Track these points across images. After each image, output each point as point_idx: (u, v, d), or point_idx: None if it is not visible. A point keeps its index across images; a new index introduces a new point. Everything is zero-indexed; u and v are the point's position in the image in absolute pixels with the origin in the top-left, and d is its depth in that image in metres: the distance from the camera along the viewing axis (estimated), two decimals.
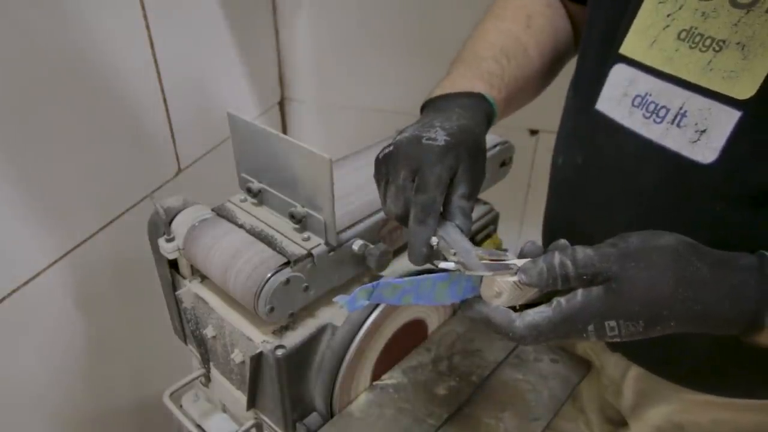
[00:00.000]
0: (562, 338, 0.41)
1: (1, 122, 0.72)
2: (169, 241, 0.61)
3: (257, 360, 0.57)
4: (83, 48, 0.83)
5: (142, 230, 0.65)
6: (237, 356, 0.60)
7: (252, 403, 0.62)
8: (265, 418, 0.63)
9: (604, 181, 0.57)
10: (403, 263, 0.65)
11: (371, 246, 0.60)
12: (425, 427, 0.61)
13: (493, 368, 0.68)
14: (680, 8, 0.49)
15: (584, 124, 0.58)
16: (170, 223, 0.62)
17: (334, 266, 0.59)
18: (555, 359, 0.70)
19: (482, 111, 0.56)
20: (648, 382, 0.64)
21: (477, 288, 0.44)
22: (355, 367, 0.61)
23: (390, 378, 0.66)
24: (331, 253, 0.58)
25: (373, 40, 1.32)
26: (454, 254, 0.44)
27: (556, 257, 0.41)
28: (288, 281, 0.54)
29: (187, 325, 0.66)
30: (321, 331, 0.59)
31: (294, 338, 0.57)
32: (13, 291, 0.78)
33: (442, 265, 0.43)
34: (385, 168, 0.50)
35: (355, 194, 0.64)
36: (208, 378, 0.69)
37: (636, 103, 0.52)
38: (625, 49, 0.53)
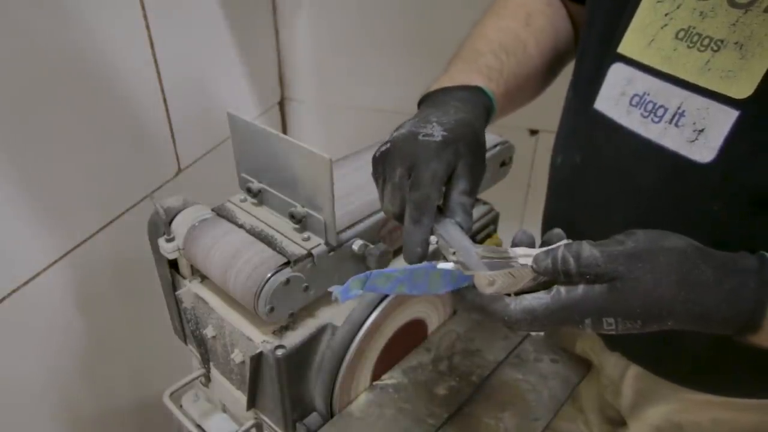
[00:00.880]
0: (556, 326, 0.40)
1: (1, 122, 0.72)
2: (169, 241, 0.61)
3: (257, 360, 0.57)
4: (83, 48, 0.83)
5: (142, 230, 0.65)
6: (237, 356, 0.60)
7: (252, 403, 0.62)
8: (265, 418, 0.63)
9: (603, 181, 0.57)
10: (403, 263, 0.65)
11: (371, 246, 0.60)
12: (425, 427, 0.61)
13: (493, 368, 0.68)
14: (678, 7, 0.49)
15: (583, 124, 0.58)
16: (170, 223, 0.62)
17: (334, 266, 0.59)
18: (555, 359, 0.70)
19: (481, 104, 0.56)
20: (647, 381, 0.64)
21: (470, 277, 0.43)
22: (355, 367, 0.61)
23: (390, 378, 0.66)
24: (331, 253, 0.58)
25: (373, 40, 1.32)
26: (454, 253, 0.44)
27: (560, 252, 0.40)
28: (288, 281, 0.54)
29: (187, 325, 0.66)
30: (321, 331, 0.59)
31: (294, 338, 0.57)
32: (13, 291, 0.78)
33: (441, 266, 0.43)
34: (381, 166, 0.50)
35: (355, 194, 0.64)
36: (208, 378, 0.69)
37: (634, 103, 0.52)
38: (623, 49, 0.53)
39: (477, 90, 0.57)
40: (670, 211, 0.51)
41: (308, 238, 0.58)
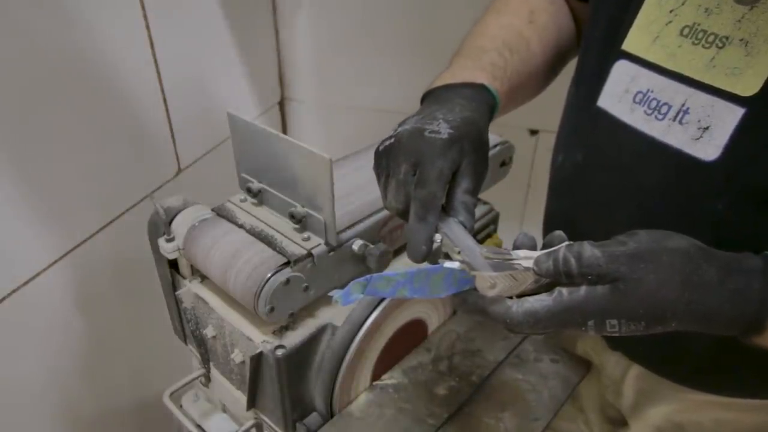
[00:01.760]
0: (558, 329, 0.40)
1: (1, 122, 0.72)
2: (169, 241, 0.61)
3: (257, 360, 0.57)
4: (83, 48, 0.83)
5: (142, 230, 0.65)
6: (237, 356, 0.60)
7: (252, 403, 0.62)
8: (265, 418, 0.63)
9: (605, 180, 0.56)
10: (403, 263, 0.65)
11: (371, 246, 0.60)
12: (425, 427, 0.61)
13: (494, 368, 0.67)
14: (683, 4, 0.48)
15: (585, 122, 0.58)
16: (170, 223, 0.62)
17: (334, 266, 0.59)
18: (555, 359, 0.69)
19: (485, 103, 0.55)
20: (648, 381, 0.64)
21: (471, 280, 0.43)
22: (355, 367, 0.61)
23: (390, 378, 0.66)
24: (331, 253, 0.58)
25: (374, 39, 1.32)
26: (459, 253, 0.44)
27: (561, 252, 0.40)
28: (288, 281, 0.54)
29: (187, 325, 0.66)
30: (321, 331, 0.59)
31: (294, 338, 0.57)
32: (13, 291, 0.78)
33: (447, 264, 0.43)
34: (385, 161, 0.49)
35: (355, 194, 0.64)
36: (208, 378, 0.69)
37: (637, 100, 0.52)
38: (627, 45, 0.52)
39: (481, 88, 0.57)
40: (674, 209, 0.51)
41: (308, 238, 0.58)
